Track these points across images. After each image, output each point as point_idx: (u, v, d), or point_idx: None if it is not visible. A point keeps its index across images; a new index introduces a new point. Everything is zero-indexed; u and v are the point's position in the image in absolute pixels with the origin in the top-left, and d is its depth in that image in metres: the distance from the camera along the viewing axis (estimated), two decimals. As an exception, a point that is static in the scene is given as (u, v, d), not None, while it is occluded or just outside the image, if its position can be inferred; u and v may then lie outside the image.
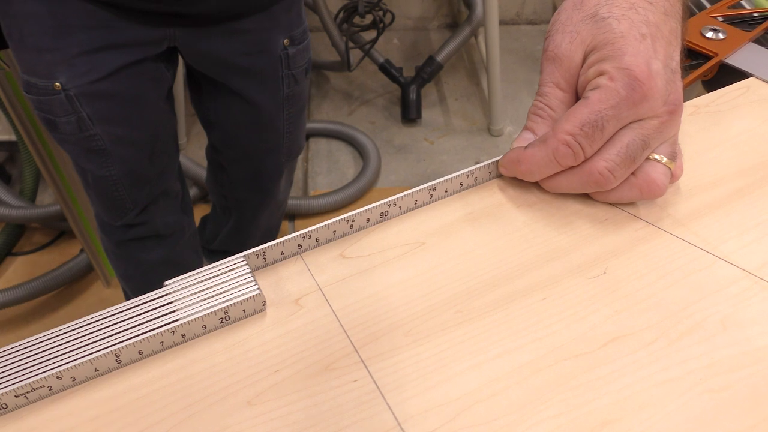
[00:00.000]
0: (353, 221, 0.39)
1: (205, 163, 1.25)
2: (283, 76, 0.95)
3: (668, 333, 0.34)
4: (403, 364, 0.34)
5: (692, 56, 0.57)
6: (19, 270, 1.60)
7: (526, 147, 0.41)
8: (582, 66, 0.41)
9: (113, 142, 0.89)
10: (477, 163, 1.85)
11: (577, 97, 0.42)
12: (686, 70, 0.57)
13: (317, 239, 0.39)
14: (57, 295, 1.54)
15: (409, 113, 1.97)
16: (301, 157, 1.93)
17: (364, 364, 0.34)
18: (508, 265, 0.39)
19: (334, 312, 0.36)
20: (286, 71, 0.95)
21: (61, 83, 0.80)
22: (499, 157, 0.43)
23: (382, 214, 0.40)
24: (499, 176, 0.44)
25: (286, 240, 0.38)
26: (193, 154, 1.79)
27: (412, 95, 1.98)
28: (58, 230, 1.66)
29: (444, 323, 0.35)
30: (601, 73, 0.39)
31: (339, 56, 1.87)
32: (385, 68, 2.00)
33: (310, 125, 1.92)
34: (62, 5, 0.76)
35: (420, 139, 1.96)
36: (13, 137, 1.69)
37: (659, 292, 0.37)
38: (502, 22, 1.94)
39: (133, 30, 0.80)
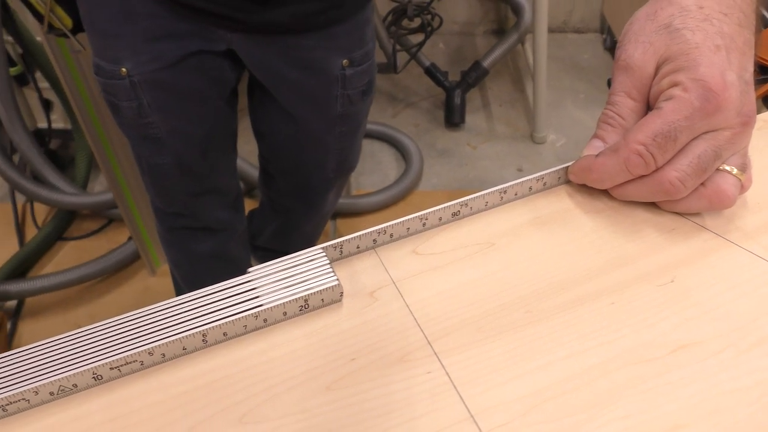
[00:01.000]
0: (426, 219, 0.41)
1: (251, 158, 1.27)
2: (337, 96, 0.94)
3: (737, 343, 0.35)
4: (475, 359, 0.35)
5: (762, 71, 0.57)
6: (69, 255, 1.65)
7: (596, 155, 0.42)
8: (654, 76, 0.42)
9: (168, 132, 0.92)
10: (519, 170, 1.85)
11: (648, 106, 0.42)
12: (756, 84, 0.57)
13: (391, 235, 0.40)
14: (104, 281, 1.58)
15: (453, 117, 1.98)
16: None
17: (437, 357, 0.35)
18: (576, 269, 0.39)
19: (407, 306, 0.37)
20: (341, 91, 0.93)
21: (126, 69, 0.83)
22: (568, 164, 0.44)
23: (454, 214, 0.41)
24: (568, 182, 0.45)
25: (362, 234, 0.40)
26: (239, 149, 1.82)
27: (457, 100, 1.98)
28: (107, 218, 1.71)
29: (514, 322, 0.36)
30: (674, 84, 0.40)
31: (386, 58, 1.88)
32: (431, 72, 2.01)
33: (354, 125, 1.94)
34: None
35: (463, 144, 1.96)
36: (67, 126, 1.74)
37: (728, 303, 0.37)
38: (549, 30, 1.94)
39: (194, 24, 0.82)
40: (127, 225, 1.47)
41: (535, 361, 0.35)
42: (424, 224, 0.41)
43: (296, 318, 0.37)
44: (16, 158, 1.68)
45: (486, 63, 1.99)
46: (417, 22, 1.88)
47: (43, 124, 1.74)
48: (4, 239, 1.69)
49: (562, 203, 0.43)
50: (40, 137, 1.73)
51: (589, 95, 2.15)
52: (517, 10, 2.06)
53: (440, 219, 0.41)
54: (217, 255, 1.16)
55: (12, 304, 1.54)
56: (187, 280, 1.20)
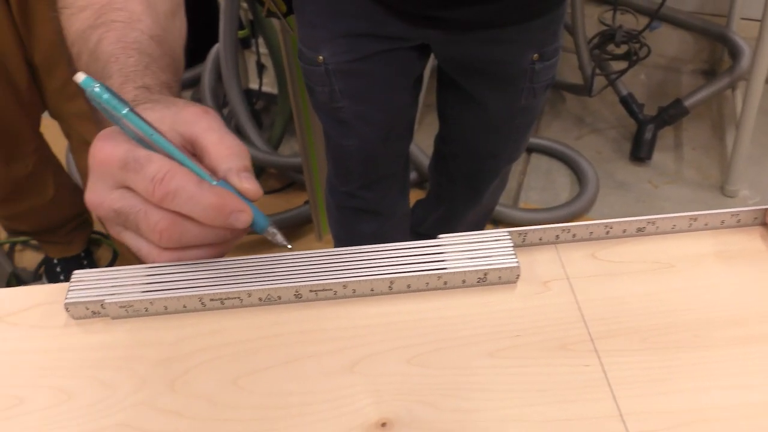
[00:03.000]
0: (610, 228, 0.42)
1: (429, 151, 1.33)
2: (523, 88, 0.96)
3: None
4: (634, 366, 0.36)
5: None
6: (252, 206, 1.81)
7: (803, 203, 0.41)
8: None
9: (355, 117, 0.99)
10: (700, 218, 1.75)
11: None
12: None
13: (574, 235, 0.43)
14: (275, 236, 1.72)
15: (640, 152, 1.91)
16: (518, 168, 1.96)
17: (597, 354, 0.37)
18: (754, 308, 0.39)
19: (577, 302, 0.39)
20: (528, 84, 0.96)
21: (323, 57, 0.92)
22: (768, 206, 0.43)
23: (639, 229, 0.43)
24: (764, 224, 0.44)
25: (546, 228, 0.42)
26: (421, 142, 1.89)
27: (648, 134, 1.91)
28: (290, 180, 1.85)
29: (679, 342, 0.37)
30: None
31: (583, 80, 1.86)
32: (627, 101, 1.95)
33: (535, 141, 1.94)
34: None
35: (644, 180, 1.89)
36: (274, 91, 1.91)
37: None
38: (767, 79, 1.81)
39: (394, 26, 0.88)
40: (307, 190, 1.58)
41: (695, 382, 0.35)
42: (607, 232, 0.43)
43: (473, 288, 0.40)
44: (225, 111, 1.88)
45: (688, 102, 1.89)
46: (623, 49, 1.83)
47: (253, 86, 1.92)
48: (201, 181, 1.88)
49: (753, 243, 0.43)
50: (249, 97, 1.91)
51: (798, 157, 1.98)
52: (735, 54, 1.94)
53: (624, 231, 0.43)
54: (377, 236, 1.23)
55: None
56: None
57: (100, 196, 0.37)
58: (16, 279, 1.57)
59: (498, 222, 1.75)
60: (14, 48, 1.00)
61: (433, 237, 1.24)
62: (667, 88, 2.23)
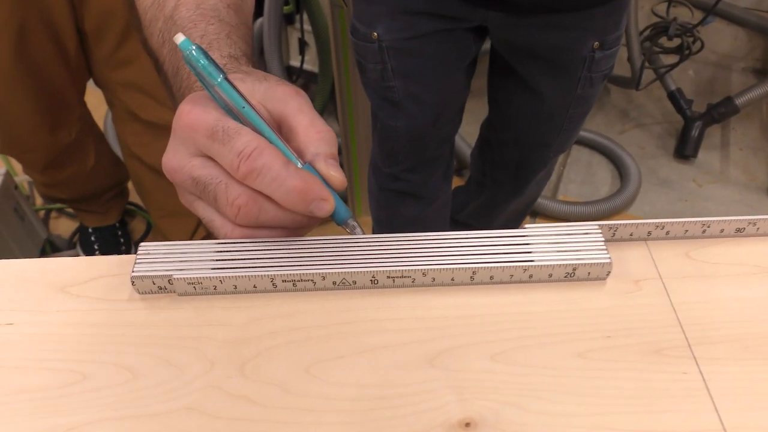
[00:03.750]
0: (708, 227, 0.40)
1: (469, 138, 1.29)
2: (581, 77, 0.93)
3: None
4: (737, 376, 0.33)
5: None
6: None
7: None
8: None
9: (406, 97, 0.96)
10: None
11: None
12: None
13: (667, 232, 0.40)
14: (310, 217, 1.70)
15: (685, 149, 1.86)
16: (559, 160, 1.92)
17: (696, 362, 0.34)
18: None
19: (671, 303, 0.37)
20: (586, 73, 0.93)
21: (378, 34, 0.89)
22: None
23: (738, 230, 0.40)
24: None
25: (638, 224, 0.39)
26: (461, 129, 1.86)
27: (694, 132, 1.86)
28: (326, 161, 1.83)
29: (786, 354, 0.35)
30: None
31: (631, 73, 1.81)
32: (675, 96, 1.90)
33: (577, 132, 1.90)
34: None
35: (688, 179, 1.84)
36: (314, 69, 1.88)
37: None
38: (821, 81, 1.75)
39: (453, 5, 0.85)
40: (344, 170, 1.56)
41: (804, 398, 0.33)
42: (704, 231, 0.40)
43: (559, 283, 0.38)
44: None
45: (739, 101, 1.83)
46: (675, 42, 1.78)
47: (294, 63, 1.89)
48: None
49: None
50: (289, 73, 1.89)
51: None
52: (790, 53, 1.88)
53: (722, 231, 0.40)
54: (417, 221, 1.21)
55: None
56: (384, 236, 1.26)
57: (179, 162, 0.35)
58: (50, 245, 1.58)
59: (536, 214, 1.71)
60: (66, 14, 0.99)
61: (472, 226, 1.23)
62: (716, 85, 2.17)
